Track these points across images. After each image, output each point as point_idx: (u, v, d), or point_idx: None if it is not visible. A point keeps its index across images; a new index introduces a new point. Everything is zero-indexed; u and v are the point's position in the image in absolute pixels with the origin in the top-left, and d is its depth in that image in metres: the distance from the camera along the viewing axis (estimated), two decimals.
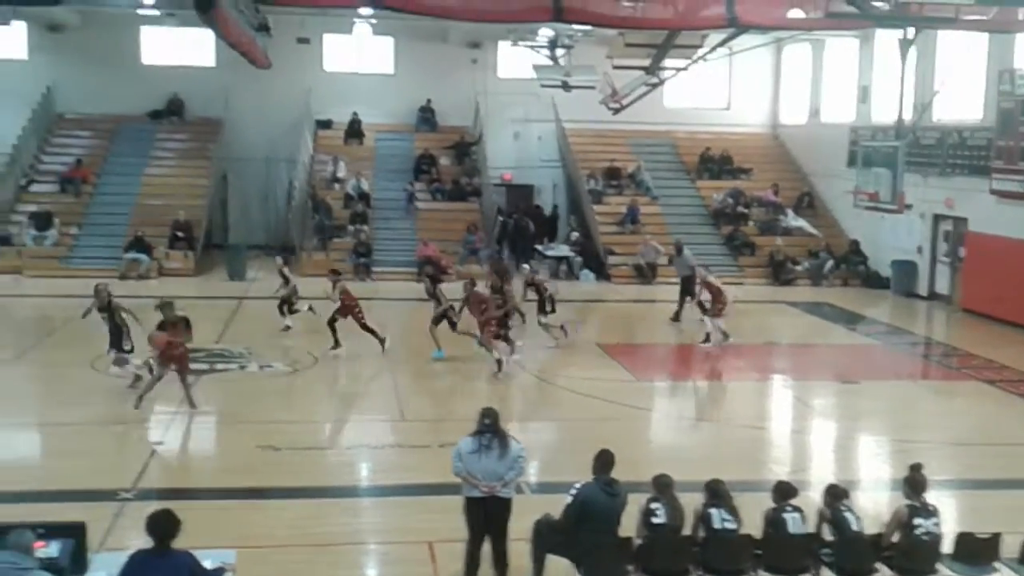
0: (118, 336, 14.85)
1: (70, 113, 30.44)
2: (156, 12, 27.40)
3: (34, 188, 28.20)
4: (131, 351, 14.87)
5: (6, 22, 27.18)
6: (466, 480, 8.38)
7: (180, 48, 30.70)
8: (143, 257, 25.56)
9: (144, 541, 6.67)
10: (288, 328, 19.24)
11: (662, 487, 8.26)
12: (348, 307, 17.42)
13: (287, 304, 19.38)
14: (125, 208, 27.70)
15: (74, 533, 7.24)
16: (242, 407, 14.67)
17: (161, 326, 14.02)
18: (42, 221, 26.44)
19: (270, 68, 25.86)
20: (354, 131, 31.23)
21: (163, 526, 6.64)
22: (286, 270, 20.09)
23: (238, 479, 11.37)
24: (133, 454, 12.27)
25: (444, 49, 31.06)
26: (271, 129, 30.24)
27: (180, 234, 26.72)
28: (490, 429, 8.44)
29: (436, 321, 17.34)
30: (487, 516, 8.37)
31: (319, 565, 9.28)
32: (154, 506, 9.68)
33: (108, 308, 14.94)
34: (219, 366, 16.57)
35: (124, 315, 14.96)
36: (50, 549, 6.97)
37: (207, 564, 6.83)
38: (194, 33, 28.68)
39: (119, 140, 30.07)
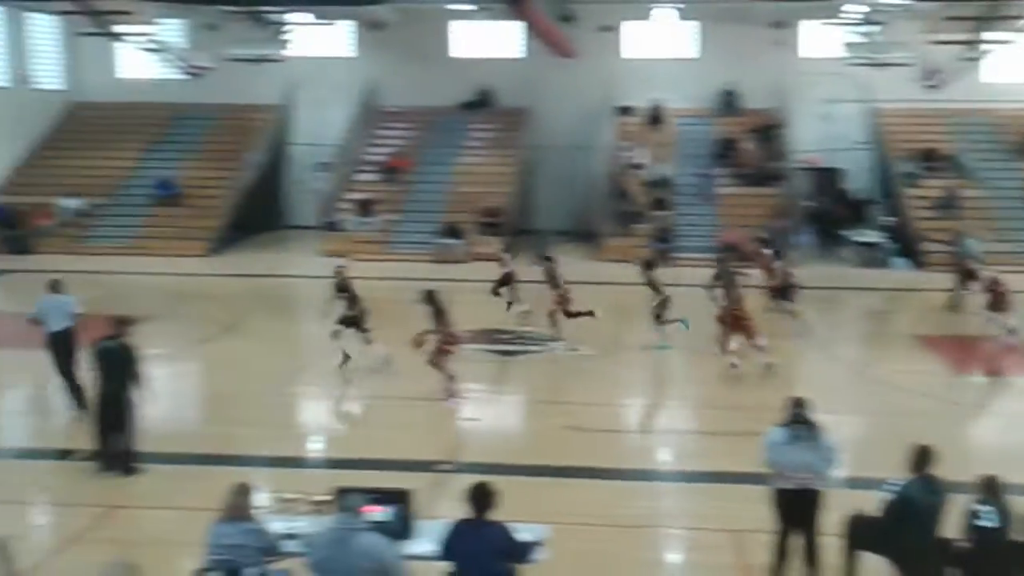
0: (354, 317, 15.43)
1: (391, 106, 32.42)
2: (469, 7, 28.59)
3: (360, 177, 30.32)
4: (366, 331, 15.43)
5: (331, 22, 29.31)
6: (777, 471, 8.26)
7: (489, 41, 31.96)
8: (456, 242, 26.84)
9: (461, 511, 7.01)
10: (528, 312, 19.06)
11: (991, 489, 7.78)
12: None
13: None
14: (440, 196, 29.20)
15: (402, 499, 7.69)
16: (550, 388, 15.15)
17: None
18: (365, 208, 28.38)
19: (575, 58, 26.38)
20: (655, 116, 31.27)
21: (482, 497, 6.95)
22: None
23: (546, 457, 11.77)
24: (450, 428, 13.01)
25: (747, 31, 30.45)
26: (574, 117, 30.89)
27: (490, 220, 27.83)
28: (802, 419, 8.27)
29: (656, 315, 16.94)
30: (797, 509, 8.22)
31: (624, 546, 9.45)
32: (469, 479, 10.29)
33: (346, 290, 15.71)
34: (528, 348, 17.17)
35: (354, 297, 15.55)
36: (381, 513, 7.48)
37: (522, 537, 7.13)
38: (503, 26, 29.77)
39: (434, 131, 31.70)
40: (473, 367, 15.86)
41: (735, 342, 15.48)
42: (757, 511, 8.65)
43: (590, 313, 17.64)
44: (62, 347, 12.95)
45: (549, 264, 18.10)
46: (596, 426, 12.94)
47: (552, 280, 17.79)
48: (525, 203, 31.18)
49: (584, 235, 28.93)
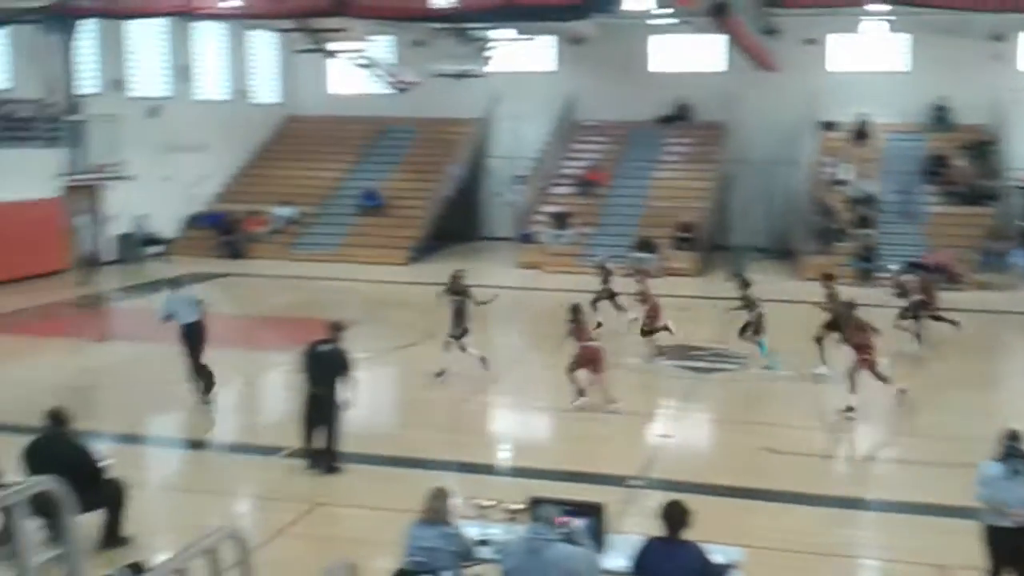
0: (459, 321, 15.66)
1: (588, 120, 32.58)
2: (669, 21, 28.46)
3: (556, 190, 30.60)
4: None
5: (533, 37, 29.73)
6: (992, 507, 7.81)
7: (688, 55, 31.70)
8: (649, 256, 26.68)
9: (653, 528, 6.93)
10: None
11: None
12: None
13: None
14: (634, 209, 29.14)
15: (595, 513, 7.63)
16: (744, 408, 14.85)
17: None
18: (560, 221, 28.60)
19: (777, 71, 25.85)
20: (860, 132, 30.24)
21: (677, 516, 6.84)
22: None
23: (741, 478, 11.52)
24: (642, 444, 12.93)
25: (963, 44, 29.05)
26: (774, 131, 30.26)
27: (684, 235, 27.56)
28: (1019, 453, 7.80)
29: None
30: (1013, 548, 7.75)
31: (821, 575, 9.15)
32: (660, 496, 10.19)
33: (459, 293, 15.97)
34: (722, 366, 16.89)
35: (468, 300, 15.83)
36: (574, 525, 7.49)
37: (716, 559, 7.01)
38: (703, 40, 29.51)
39: (630, 145, 31.68)
40: (666, 383, 15.77)
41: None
42: (965, 546, 8.22)
43: (665, 329, 17.38)
44: (194, 338, 14.03)
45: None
46: (793, 448, 12.58)
47: (747, 303, 17.12)
48: (721, 219, 30.74)
49: (782, 253, 28.26)
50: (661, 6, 23.68)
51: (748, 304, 16.73)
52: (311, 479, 11.13)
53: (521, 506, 7.60)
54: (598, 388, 13.95)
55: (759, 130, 30.46)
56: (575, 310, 14.11)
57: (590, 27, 30.48)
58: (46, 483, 2.57)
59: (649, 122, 32.00)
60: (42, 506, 3.79)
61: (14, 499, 2.43)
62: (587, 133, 32.53)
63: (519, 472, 11.65)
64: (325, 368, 11.23)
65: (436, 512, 7.37)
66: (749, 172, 30.83)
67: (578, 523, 7.27)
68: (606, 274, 19.83)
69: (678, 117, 32.03)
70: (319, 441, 11.26)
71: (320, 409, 11.21)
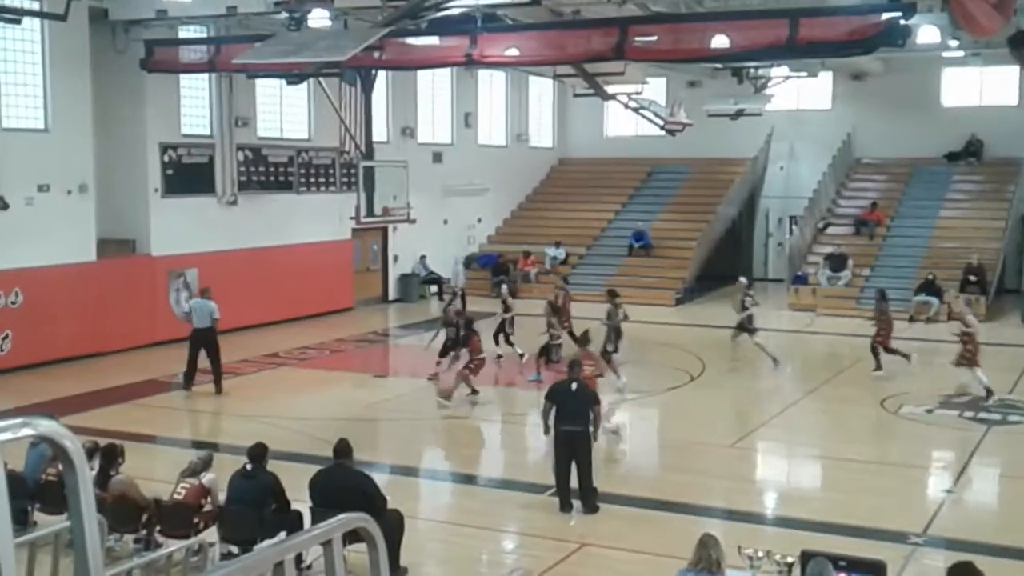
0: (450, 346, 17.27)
1: (867, 158, 31.42)
2: (961, 53, 27.06)
3: (830, 231, 29.65)
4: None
5: (814, 74, 29.03)
6: None
7: (981, 88, 30.01)
8: (933, 300, 25.32)
9: None
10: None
11: None
12: None
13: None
14: (917, 250, 27.77)
15: (874, 571, 7.26)
16: None
17: None
18: (836, 262, 27.64)
19: None
20: None
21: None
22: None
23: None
24: (922, 498, 12.27)
25: None
26: None
27: (972, 278, 25.96)
28: None
29: None
30: None
31: None
32: (942, 555, 9.64)
33: (453, 325, 17.30)
34: (1012, 418, 15.77)
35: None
36: None
37: None
38: (997, 72, 27.87)
39: (913, 183, 30.28)
40: (950, 434, 14.93)
41: None
42: None
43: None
44: (202, 342, 16.62)
45: None
46: None
47: None
48: (1014, 261, 28.75)
49: None
50: (954, 37, 22.56)
51: None
52: (573, 518, 11.26)
53: (792, 559, 7.40)
54: None
55: None
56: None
57: (875, 62, 29.46)
58: (360, 520, 2.79)
59: (936, 159, 30.47)
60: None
61: (334, 534, 2.66)
62: (866, 171, 31.38)
63: (789, 522, 11.30)
64: (579, 405, 11.41)
65: (706, 560, 7.29)
66: None
67: None
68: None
69: (968, 153, 30.32)
70: (574, 479, 11.41)
71: (573, 448, 11.36)
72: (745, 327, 19.91)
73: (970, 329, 16.98)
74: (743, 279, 21.76)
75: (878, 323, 18.81)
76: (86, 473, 2.12)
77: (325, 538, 2.63)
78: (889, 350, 18.60)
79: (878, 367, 18.43)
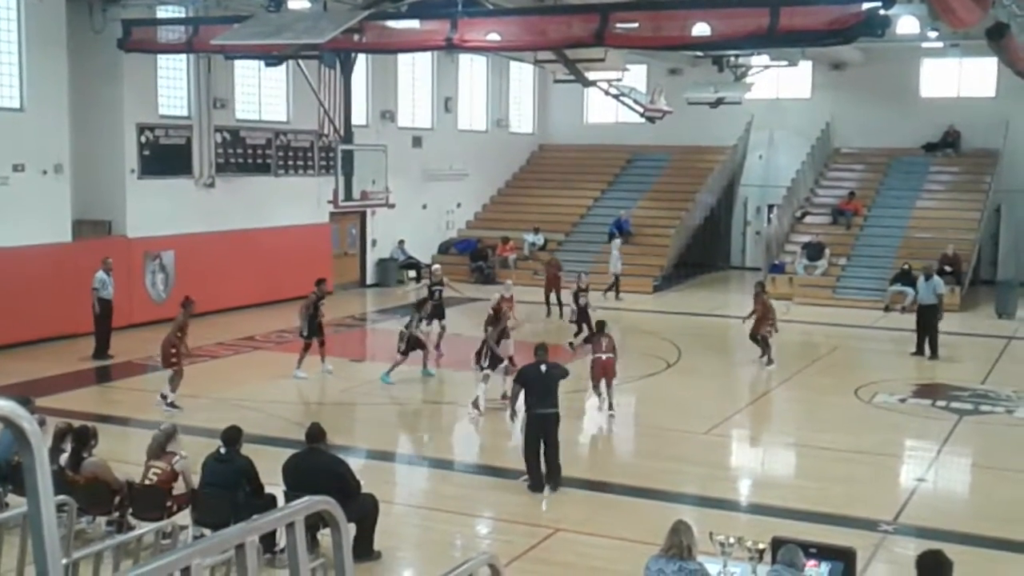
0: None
1: (845, 147, 31.55)
2: (939, 44, 27.18)
3: (808, 220, 29.77)
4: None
5: (793, 64, 29.09)
6: None
7: (959, 79, 30.17)
8: (908, 290, 25.45)
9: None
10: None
11: None
12: None
13: None
14: (893, 240, 27.94)
15: (844, 558, 7.29)
16: (1005, 453, 13.89)
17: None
18: (814, 251, 27.77)
19: None
20: None
21: (936, 568, 6.37)
22: None
23: (1003, 529, 10.78)
24: (894, 486, 12.37)
25: None
26: None
27: (947, 268, 26.10)
28: None
29: None
30: None
31: None
32: (912, 543, 9.72)
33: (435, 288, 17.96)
34: (983, 408, 15.91)
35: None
36: (821, 569, 7.19)
37: None
38: (975, 64, 28.02)
39: (891, 173, 30.44)
40: (923, 423, 15.06)
41: None
42: None
43: None
44: (107, 311, 18.20)
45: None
46: None
47: None
48: (988, 251, 28.96)
49: None
50: (933, 28, 22.66)
51: None
52: (544, 501, 11.32)
53: (764, 546, 7.42)
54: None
55: None
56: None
57: (854, 52, 29.54)
58: (323, 503, 2.78)
59: (913, 149, 30.63)
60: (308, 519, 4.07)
61: (296, 517, 2.65)
62: (844, 161, 31.51)
63: (761, 509, 11.36)
64: (550, 386, 11.54)
65: (678, 546, 7.29)
66: (1021, 202, 28.92)
67: (824, 567, 7.04)
68: None
69: (945, 144, 30.48)
70: (543, 460, 11.52)
71: (546, 429, 11.48)
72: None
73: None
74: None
75: (759, 313, 18.53)
76: (43, 454, 2.10)
77: (288, 520, 2.63)
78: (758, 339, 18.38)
79: (769, 360, 18.35)
